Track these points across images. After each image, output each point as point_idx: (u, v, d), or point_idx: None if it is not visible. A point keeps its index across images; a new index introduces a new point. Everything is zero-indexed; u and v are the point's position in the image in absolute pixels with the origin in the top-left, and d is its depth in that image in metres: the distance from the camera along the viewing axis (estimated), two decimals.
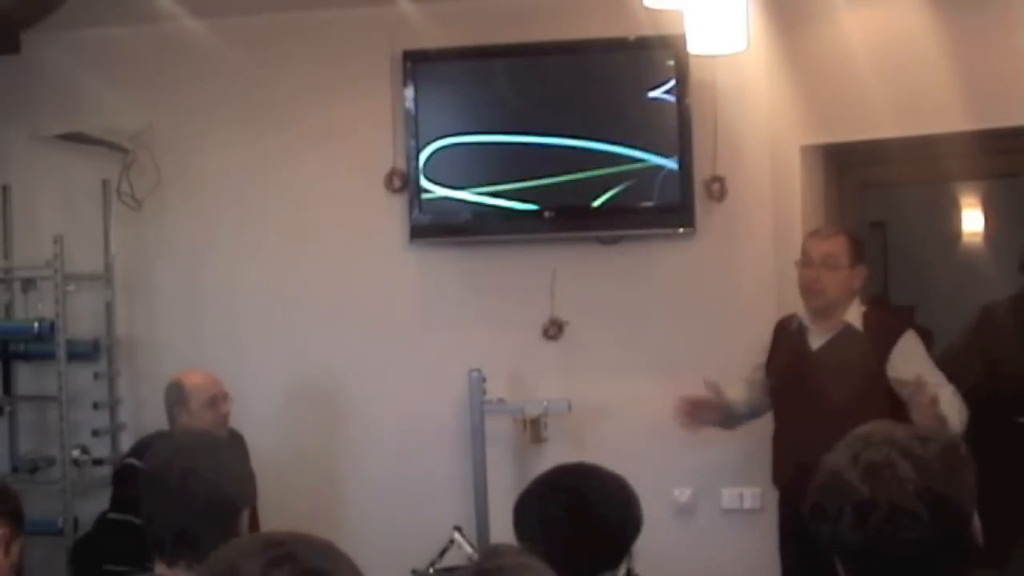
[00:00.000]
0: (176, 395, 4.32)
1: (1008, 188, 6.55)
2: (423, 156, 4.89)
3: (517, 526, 2.49)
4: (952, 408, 3.88)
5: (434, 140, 4.90)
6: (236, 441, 4.35)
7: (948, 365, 5.51)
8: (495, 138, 4.85)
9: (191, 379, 4.34)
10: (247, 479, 2.42)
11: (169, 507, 2.33)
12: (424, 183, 4.90)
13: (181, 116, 5.19)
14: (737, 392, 4.39)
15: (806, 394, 4.15)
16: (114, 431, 5.18)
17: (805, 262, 4.20)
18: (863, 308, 4.26)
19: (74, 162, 5.24)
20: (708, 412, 4.35)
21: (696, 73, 4.71)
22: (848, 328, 4.19)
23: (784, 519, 4.28)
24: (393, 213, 5.05)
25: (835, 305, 4.18)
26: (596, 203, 4.81)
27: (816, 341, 4.23)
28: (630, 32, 4.69)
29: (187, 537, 2.28)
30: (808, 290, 4.19)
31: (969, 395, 5.14)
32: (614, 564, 2.46)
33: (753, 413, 4.43)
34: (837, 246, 4.17)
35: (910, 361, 4.10)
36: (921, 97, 4.59)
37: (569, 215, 4.86)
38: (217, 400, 4.32)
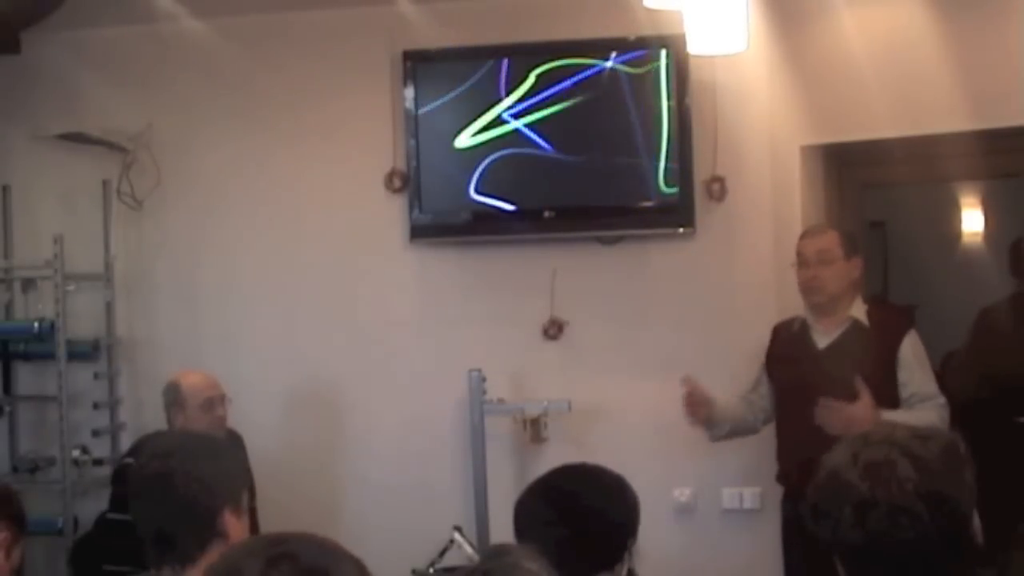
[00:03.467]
0: (172, 396, 4.31)
1: (1008, 188, 6.56)
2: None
3: (516, 529, 2.50)
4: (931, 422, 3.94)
5: (434, 140, 4.90)
6: (234, 441, 4.35)
7: (950, 370, 5.53)
8: (494, 137, 4.85)
9: (188, 380, 4.33)
10: (229, 478, 2.40)
11: (147, 508, 2.34)
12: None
13: (181, 116, 5.19)
14: (729, 411, 4.38)
15: (814, 393, 4.15)
16: (114, 431, 5.18)
17: (801, 262, 4.25)
18: (865, 305, 4.30)
19: (74, 162, 5.24)
20: (701, 408, 4.33)
21: (696, 73, 4.71)
22: (855, 324, 4.22)
23: (788, 518, 4.28)
24: (393, 213, 5.05)
25: (837, 299, 4.22)
26: (596, 203, 4.81)
27: (823, 340, 4.25)
28: (630, 32, 4.70)
29: (165, 537, 2.29)
30: (808, 288, 4.24)
31: (969, 396, 5.17)
32: (612, 564, 2.46)
33: (733, 433, 4.43)
34: (829, 241, 4.24)
35: (912, 365, 4.16)
36: (921, 97, 4.59)
37: (569, 215, 4.85)
38: (213, 403, 4.30)
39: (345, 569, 1.41)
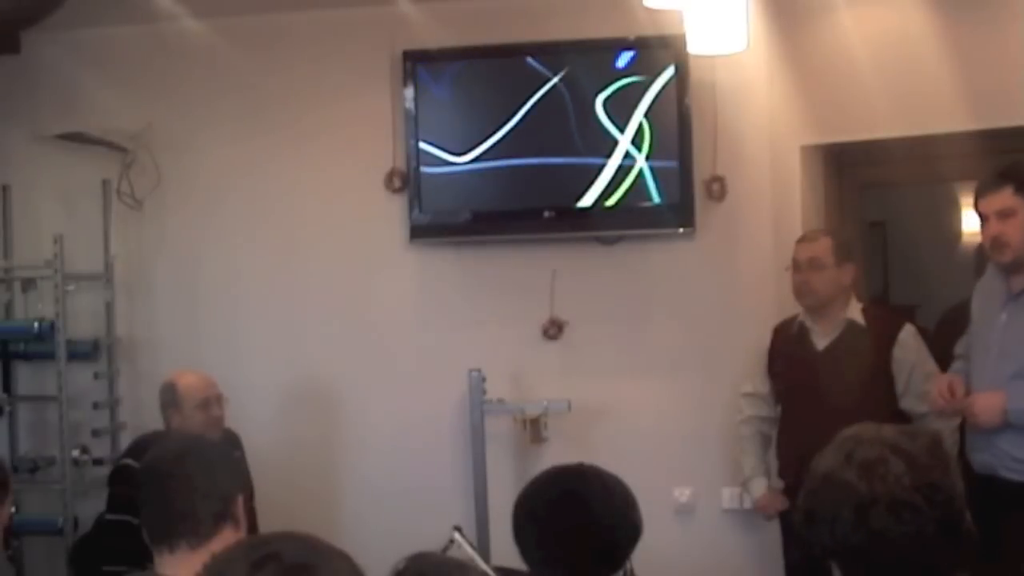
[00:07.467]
0: (169, 397, 4.31)
1: None
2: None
3: (516, 528, 2.49)
4: None
5: (433, 140, 4.90)
6: (231, 441, 4.35)
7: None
8: (495, 137, 4.85)
9: (184, 380, 4.32)
10: (226, 478, 2.43)
11: (149, 509, 2.36)
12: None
13: (181, 116, 5.19)
14: (764, 462, 4.50)
15: (814, 393, 4.20)
16: (114, 431, 5.18)
17: (794, 267, 4.35)
18: (860, 305, 4.36)
19: (74, 162, 5.24)
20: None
21: (696, 73, 4.71)
22: (851, 324, 4.29)
23: (788, 516, 4.30)
24: (393, 213, 5.05)
25: (827, 302, 4.30)
26: (596, 203, 4.81)
27: (821, 341, 4.31)
28: (630, 32, 4.70)
29: (166, 537, 2.32)
30: (798, 292, 4.35)
31: None
32: (613, 568, 2.45)
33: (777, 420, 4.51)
34: (820, 248, 4.32)
35: (910, 351, 4.24)
36: (921, 97, 4.59)
37: (569, 215, 4.85)
38: (209, 403, 4.29)
39: (333, 564, 1.40)
